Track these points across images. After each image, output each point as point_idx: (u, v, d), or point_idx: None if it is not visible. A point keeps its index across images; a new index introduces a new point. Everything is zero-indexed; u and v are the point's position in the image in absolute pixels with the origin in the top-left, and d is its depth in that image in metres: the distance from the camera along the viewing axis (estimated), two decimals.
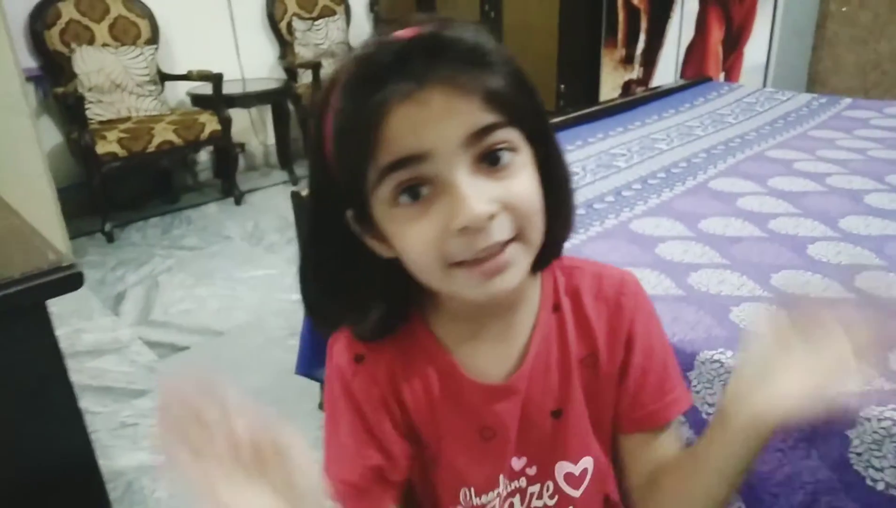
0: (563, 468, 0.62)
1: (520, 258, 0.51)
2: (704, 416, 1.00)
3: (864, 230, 1.42)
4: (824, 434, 0.91)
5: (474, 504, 0.63)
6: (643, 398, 0.62)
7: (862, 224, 1.45)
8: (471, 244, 0.48)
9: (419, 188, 0.48)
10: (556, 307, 0.62)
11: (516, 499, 0.63)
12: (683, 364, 1.02)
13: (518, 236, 0.50)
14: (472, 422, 0.61)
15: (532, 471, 0.63)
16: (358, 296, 0.57)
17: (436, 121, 0.47)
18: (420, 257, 0.50)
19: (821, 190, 1.66)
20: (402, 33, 0.49)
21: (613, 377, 0.62)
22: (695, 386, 1.01)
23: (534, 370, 0.61)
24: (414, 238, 0.49)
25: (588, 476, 0.63)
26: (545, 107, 0.57)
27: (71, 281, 0.79)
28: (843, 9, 3.33)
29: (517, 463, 0.62)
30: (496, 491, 0.62)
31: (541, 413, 0.61)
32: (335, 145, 0.50)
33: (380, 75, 0.47)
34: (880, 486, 0.86)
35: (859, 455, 0.88)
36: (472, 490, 0.62)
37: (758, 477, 0.95)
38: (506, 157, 0.49)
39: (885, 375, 0.92)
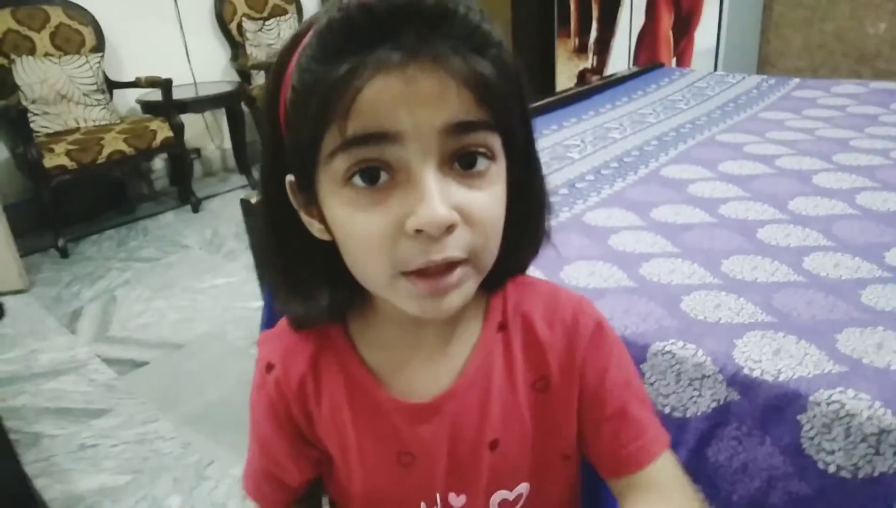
0: (499, 496, 0.58)
1: (468, 283, 0.46)
2: (660, 408, 1.01)
3: (812, 211, 1.44)
4: (777, 421, 0.92)
5: None
6: (621, 438, 0.56)
7: (811, 205, 1.47)
8: (423, 251, 0.43)
9: (378, 172, 0.42)
10: (503, 327, 0.56)
11: None
12: (636, 357, 1.03)
13: (470, 259, 0.45)
14: (388, 446, 0.56)
15: (460, 501, 0.58)
16: (300, 278, 0.52)
17: (419, 102, 0.41)
18: (365, 254, 0.45)
19: (770, 172, 1.68)
20: None
21: (569, 402, 0.56)
22: (648, 378, 1.02)
23: (469, 392, 0.55)
24: (362, 230, 0.43)
25: (522, 501, 0.59)
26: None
27: None
28: None
29: (455, 501, 0.57)
30: None
31: (476, 444, 0.55)
32: (294, 99, 0.43)
33: (368, 33, 0.41)
34: (832, 469, 0.87)
35: (811, 439, 0.89)
36: None
37: (715, 467, 0.96)
38: (482, 163, 0.44)
39: (834, 357, 0.94)
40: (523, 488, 0.58)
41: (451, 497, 0.57)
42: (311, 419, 0.58)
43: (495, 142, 0.45)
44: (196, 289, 2.64)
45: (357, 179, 0.43)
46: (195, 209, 3.47)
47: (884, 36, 3.19)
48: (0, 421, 0.87)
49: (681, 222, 1.41)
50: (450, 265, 0.44)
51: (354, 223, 0.44)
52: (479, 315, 0.57)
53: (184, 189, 3.54)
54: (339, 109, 0.41)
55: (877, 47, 3.22)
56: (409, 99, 0.41)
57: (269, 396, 0.58)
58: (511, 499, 0.58)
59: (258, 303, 2.43)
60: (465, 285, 0.46)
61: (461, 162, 0.43)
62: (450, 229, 0.42)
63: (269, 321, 1.56)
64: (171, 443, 1.78)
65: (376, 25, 0.41)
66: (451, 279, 0.44)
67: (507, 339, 0.56)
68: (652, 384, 1.01)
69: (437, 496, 0.57)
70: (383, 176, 0.42)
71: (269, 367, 0.58)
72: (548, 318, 0.56)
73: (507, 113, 0.44)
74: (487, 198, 0.45)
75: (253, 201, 1.54)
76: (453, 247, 0.43)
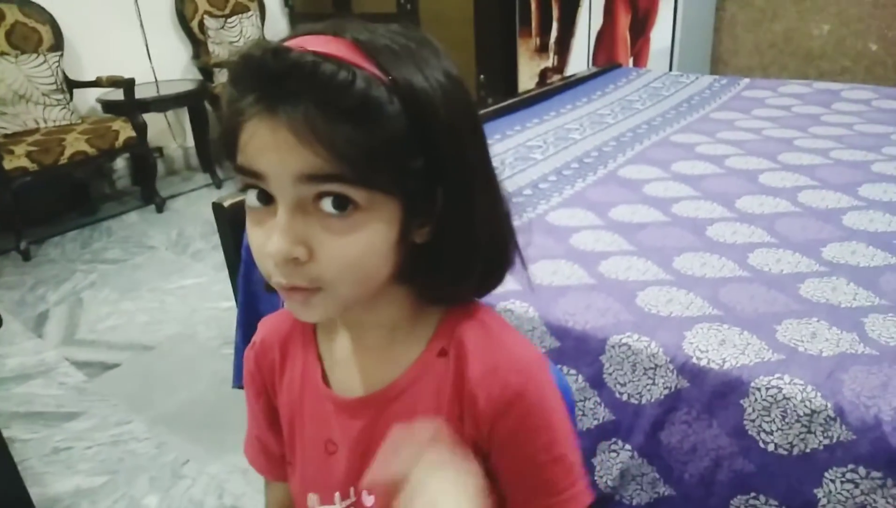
0: None
1: (320, 306, 0.51)
2: (617, 395, 1.09)
3: (758, 209, 1.54)
4: (722, 405, 1.00)
5: None
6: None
7: (756, 203, 1.57)
8: (276, 272, 0.49)
9: (270, 195, 0.49)
10: (444, 353, 0.58)
11: None
12: (596, 350, 1.11)
13: (322, 289, 0.50)
14: (320, 432, 0.62)
15: (370, 501, 0.60)
16: None
17: (275, 150, 0.46)
18: (255, 258, 0.52)
19: (720, 172, 1.78)
20: (298, 42, 0.48)
21: (471, 447, 0.56)
22: (607, 369, 1.09)
23: (393, 404, 0.58)
24: (251, 239, 0.51)
25: None
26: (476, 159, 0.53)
27: None
28: None
29: (367, 500, 0.60)
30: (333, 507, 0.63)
31: None
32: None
33: (248, 82, 0.47)
34: (771, 447, 0.96)
35: (752, 421, 0.98)
36: (317, 496, 0.63)
37: (668, 449, 1.05)
38: (348, 208, 0.47)
39: (773, 346, 1.03)
40: None
41: (364, 495, 0.61)
42: (276, 394, 0.67)
43: (357, 193, 0.47)
44: (164, 290, 2.64)
45: (252, 197, 0.49)
46: (159, 209, 3.46)
47: (827, 37, 3.35)
48: None
49: (636, 222, 1.50)
50: (295, 288, 0.50)
51: (250, 233, 0.51)
52: (424, 334, 0.59)
53: (147, 189, 3.52)
54: (233, 139, 0.48)
55: (821, 48, 3.38)
56: (268, 146, 0.46)
57: (249, 368, 0.68)
58: None
59: (228, 303, 2.45)
60: (316, 307, 0.51)
61: (332, 203, 0.47)
62: (295, 261, 0.48)
63: (242, 320, 1.60)
64: (146, 444, 1.81)
65: (257, 76, 0.46)
66: (296, 298, 0.50)
67: (445, 366, 0.57)
68: (610, 374, 1.09)
69: (352, 490, 0.61)
70: (271, 200, 0.49)
71: (253, 343, 0.68)
72: (486, 373, 0.55)
73: (377, 168, 0.46)
74: (345, 242, 0.48)
75: (226, 204, 1.57)
76: (298, 276, 0.49)
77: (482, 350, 0.56)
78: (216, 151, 3.81)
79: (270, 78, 0.45)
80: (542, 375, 0.57)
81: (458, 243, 0.53)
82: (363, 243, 0.49)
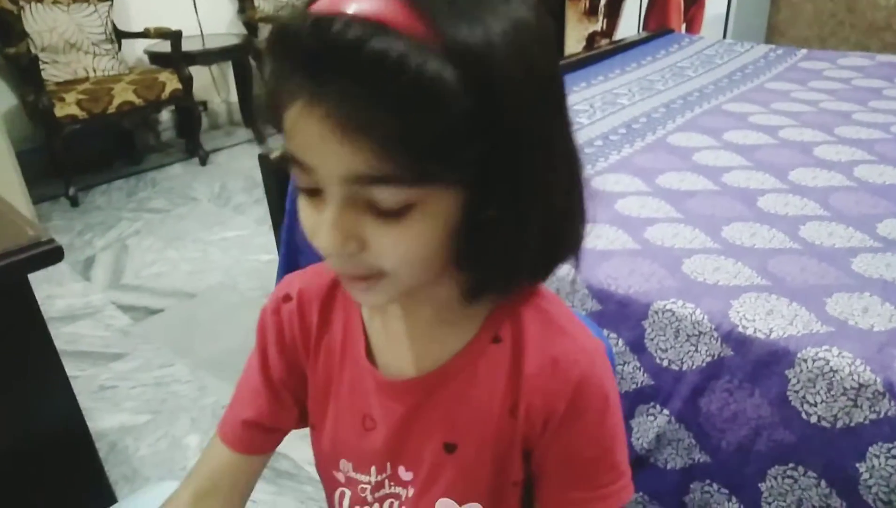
0: (444, 504, 0.58)
1: (384, 289, 0.48)
2: (658, 361, 1.08)
3: (811, 182, 1.50)
4: (766, 375, 0.99)
5: (351, 476, 0.62)
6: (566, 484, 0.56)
7: (810, 176, 1.53)
8: (332, 259, 0.46)
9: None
10: (498, 340, 0.54)
11: (386, 505, 0.61)
12: (638, 314, 1.10)
13: (384, 274, 0.46)
14: (358, 406, 0.60)
15: (408, 476, 0.59)
16: None
17: (320, 146, 0.41)
18: (309, 238, 0.48)
19: (773, 143, 1.73)
20: (335, 4, 0.39)
21: (522, 438, 0.55)
22: (649, 334, 1.09)
23: (439, 389, 0.56)
24: (302, 215, 0.47)
25: None
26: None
27: (51, 255, 0.82)
28: None
29: (404, 475, 0.59)
30: (368, 478, 0.61)
31: (430, 437, 0.57)
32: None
33: (287, 60, 0.41)
34: (813, 419, 0.95)
35: (796, 392, 0.96)
36: (351, 464, 0.62)
37: (707, 416, 1.04)
38: (403, 206, 0.43)
39: (822, 318, 1.01)
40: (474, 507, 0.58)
41: (401, 470, 0.59)
42: (307, 356, 0.62)
43: (412, 192, 0.42)
44: (207, 241, 2.69)
45: (300, 181, 0.45)
46: (203, 162, 3.51)
47: (893, 8, 3.19)
48: (59, 361, 0.94)
49: (685, 189, 1.47)
50: (355, 277, 0.47)
51: (300, 206, 0.47)
52: (478, 317, 0.55)
53: (191, 142, 3.56)
54: (278, 116, 0.43)
55: (886, 19, 3.23)
56: (312, 140, 0.41)
57: (280, 322, 0.62)
58: None
59: (268, 256, 2.50)
60: (379, 293, 0.48)
61: (387, 201, 0.42)
62: (349, 253, 0.44)
63: (283, 271, 1.63)
64: (188, 386, 1.87)
65: (293, 53, 0.40)
66: (358, 286, 0.48)
67: (500, 353, 0.54)
68: (652, 340, 1.09)
69: (388, 465, 0.60)
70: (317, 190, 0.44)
71: (287, 298, 0.62)
72: (548, 361, 0.53)
73: (436, 162, 0.41)
74: (400, 235, 0.44)
75: (272, 156, 1.59)
76: (355, 266, 0.46)
77: (541, 341, 0.53)
78: (259, 107, 3.84)
79: (310, 58, 0.39)
80: (603, 367, 0.54)
81: (525, 226, 0.46)
82: (421, 235, 0.44)
